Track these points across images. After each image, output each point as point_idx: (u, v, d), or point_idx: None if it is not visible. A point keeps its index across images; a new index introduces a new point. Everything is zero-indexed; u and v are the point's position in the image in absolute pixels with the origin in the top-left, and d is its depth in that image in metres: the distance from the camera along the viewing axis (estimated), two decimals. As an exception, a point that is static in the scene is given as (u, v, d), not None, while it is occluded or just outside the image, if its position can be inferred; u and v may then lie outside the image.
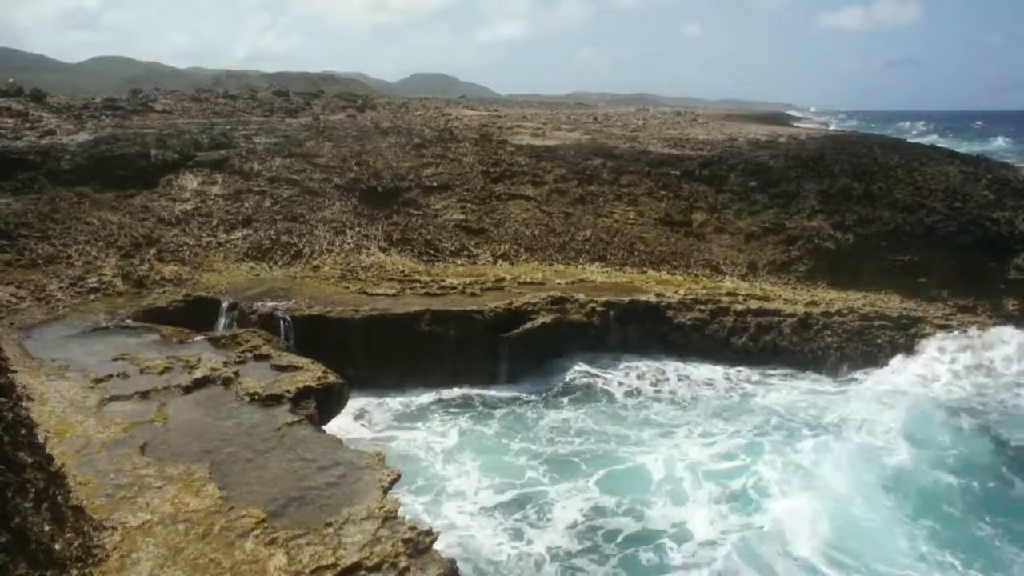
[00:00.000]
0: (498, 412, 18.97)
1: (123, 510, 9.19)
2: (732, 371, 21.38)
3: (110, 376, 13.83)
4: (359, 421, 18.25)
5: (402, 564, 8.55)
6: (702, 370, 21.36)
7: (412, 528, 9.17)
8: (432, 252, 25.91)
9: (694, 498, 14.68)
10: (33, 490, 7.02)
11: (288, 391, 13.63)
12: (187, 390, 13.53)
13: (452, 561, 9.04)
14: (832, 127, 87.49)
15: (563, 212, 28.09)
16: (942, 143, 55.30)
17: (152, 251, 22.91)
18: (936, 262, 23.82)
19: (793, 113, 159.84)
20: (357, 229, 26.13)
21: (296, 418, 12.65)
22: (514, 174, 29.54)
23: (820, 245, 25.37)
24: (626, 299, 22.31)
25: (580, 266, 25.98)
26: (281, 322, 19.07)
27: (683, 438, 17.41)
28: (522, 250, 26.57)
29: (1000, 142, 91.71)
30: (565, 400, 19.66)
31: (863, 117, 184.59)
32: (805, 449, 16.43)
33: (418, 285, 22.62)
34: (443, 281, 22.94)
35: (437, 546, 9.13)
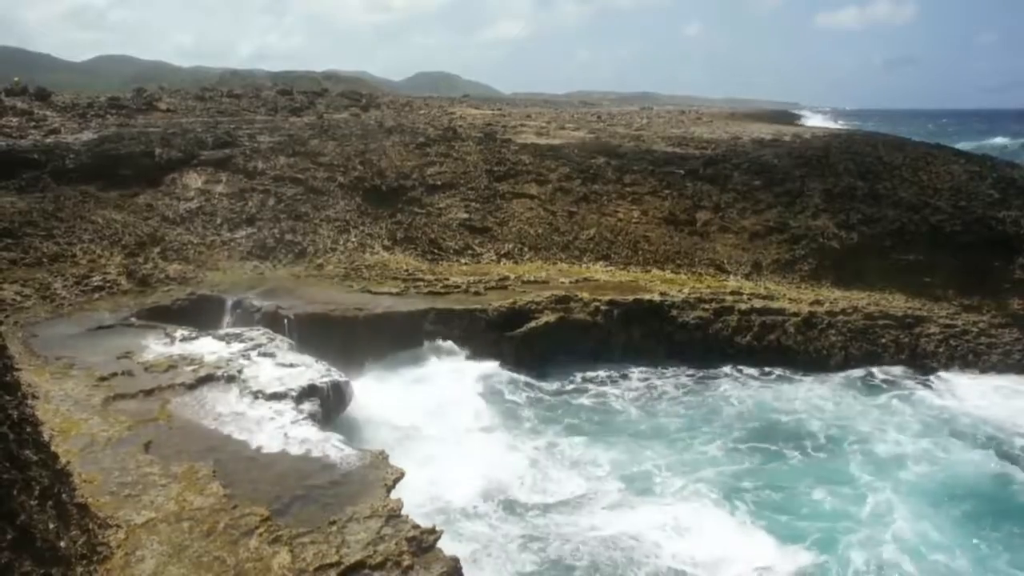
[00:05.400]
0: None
1: (128, 508, 9.22)
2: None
3: (114, 374, 13.87)
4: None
5: (406, 562, 8.57)
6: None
7: (416, 526, 9.18)
8: (436, 251, 25.89)
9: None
10: (38, 488, 7.04)
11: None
12: (191, 388, 13.57)
13: (455, 559, 9.04)
14: (835, 125, 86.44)
15: (567, 211, 28.06)
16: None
17: (156, 250, 22.94)
18: (941, 261, 23.72)
19: (798, 112, 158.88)
20: (361, 228, 26.13)
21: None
22: (518, 173, 29.50)
23: (824, 244, 25.29)
24: (630, 298, 22.29)
25: (584, 265, 25.95)
26: (285, 320, 19.08)
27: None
28: (526, 249, 26.54)
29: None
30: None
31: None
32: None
33: (422, 284, 22.61)
34: (447, 280, 22.93)
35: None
